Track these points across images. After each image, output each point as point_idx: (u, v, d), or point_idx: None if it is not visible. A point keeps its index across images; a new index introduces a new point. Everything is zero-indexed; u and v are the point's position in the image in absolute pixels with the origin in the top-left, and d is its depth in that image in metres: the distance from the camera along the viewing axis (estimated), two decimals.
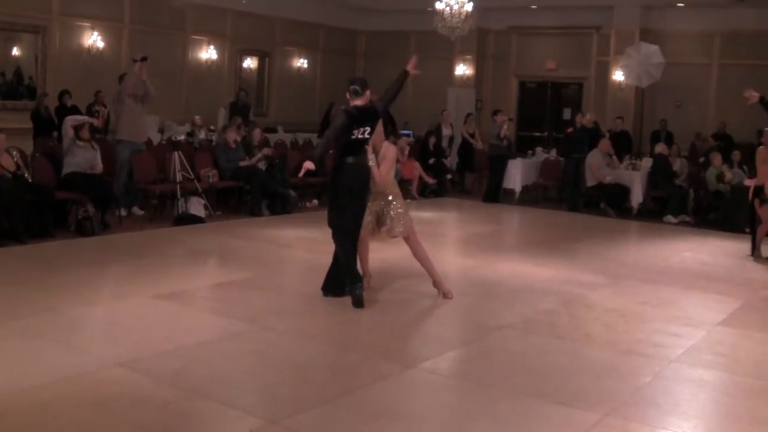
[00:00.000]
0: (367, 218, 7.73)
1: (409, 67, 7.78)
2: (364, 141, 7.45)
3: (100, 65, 17.00)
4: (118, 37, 17.70)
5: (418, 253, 7.96)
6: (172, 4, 18.62)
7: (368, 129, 7.43)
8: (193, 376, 5.47)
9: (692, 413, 5.28)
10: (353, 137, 7.32)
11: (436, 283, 7.97)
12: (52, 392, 5.08)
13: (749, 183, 11.31)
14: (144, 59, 12.17)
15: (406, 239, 7.93)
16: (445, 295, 7.89)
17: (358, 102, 7.43)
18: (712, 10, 19.17)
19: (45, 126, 14.76)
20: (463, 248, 11.65)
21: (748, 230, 11.42)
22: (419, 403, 5.31)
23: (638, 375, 5.96)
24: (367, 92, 7.46)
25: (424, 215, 13.77)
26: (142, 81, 12.22)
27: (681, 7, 19.65)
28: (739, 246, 11.40)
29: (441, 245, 11.69)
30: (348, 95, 7.50)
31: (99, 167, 11.12)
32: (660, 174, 14.83)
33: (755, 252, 10.91)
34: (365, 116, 7.40)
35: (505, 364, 6.11)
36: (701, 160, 14.78)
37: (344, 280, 7.50)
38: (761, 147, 11.21)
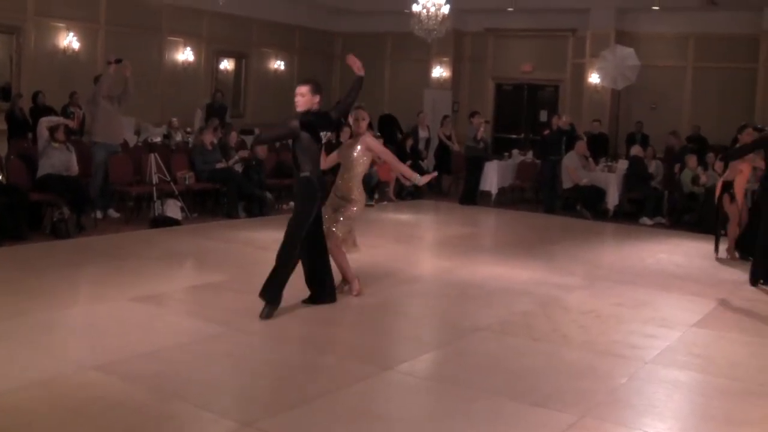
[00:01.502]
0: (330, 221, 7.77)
1: (356, 70, 7.55)
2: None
3: (76, 66, 16.91)
4: (93, 38, 17.60)
5: (335, 256, 7.82)
6: (148, 5, 18.53)
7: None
8: (169, 379, 5.45)
9: (667, 414, 5.32)
10: (323, 142, 7.26)
11: (346, 280, 7.98)
12: (26, 396, 5.04)
13: (718, 185, 11.36)
14: (118, 61, 12.11)
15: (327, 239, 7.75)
16: (354, 292, 7.92)
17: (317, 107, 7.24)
18: (686, 14, 19.33)
19: (19, 127, 14.66)
20: (439, 250, 11.67)
21: (724, 232, 11.45)
22: (396, 405, 5.31)
23: (614, 376, 6.00)
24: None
25: (401, 217, 13.81)
26: (125, 78, 12.17)
27: (656, 10, 19.79)
28: (713, 248, 11.48)
29: (418, 247, 11.72)
30: (311, 100, 7.21)
31: (74, 169, 11.06)
32: (635, 176, 14.93)
33: (726, 250, 11.00)
34: (326, 121, 7.36)
35: (481, 365, 6.13)
36: (677, 168, 14.72)
37: (273, 288, 7.10)
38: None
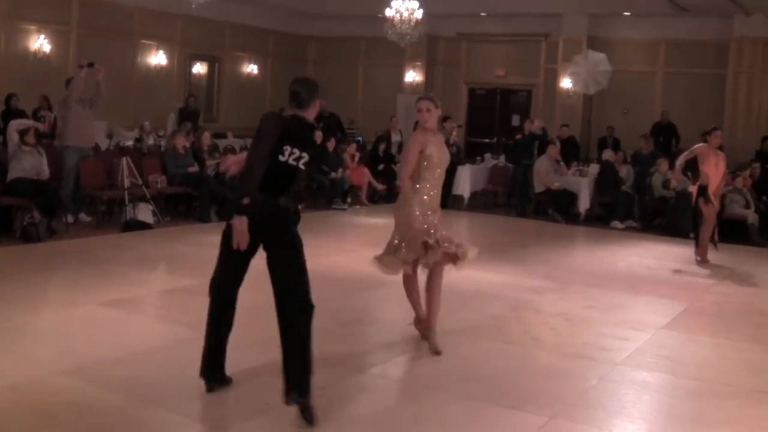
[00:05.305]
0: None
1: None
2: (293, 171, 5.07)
3: (47, 69, 16.79)
4: (65, 40, 17.50)
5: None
6: (120, 9, 18.44)
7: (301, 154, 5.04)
8: (141, 384, 5.44)
9: (636, 414, 5.37)
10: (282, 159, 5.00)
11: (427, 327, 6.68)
12: None
13: (693, 189, 11.53)
14: (90, 65, 12.04)
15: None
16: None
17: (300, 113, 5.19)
18: (657, 20, 19.49)
19: None
20: None
21: (692, 236, 11.62)
22: (368, 408, 5.33)
23: (585, 378, 6.05)
24: (316, 103, 5.21)
25: (373, 221, 13.82)
26: (97, 82, 12.10)
27: (627, 16, 19.95)
28: (684, 251, 11.60)
29: None
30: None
31: (45, 173, 10.98)
32: (607, 180, 15.04)
33: (697, 251, 11.12)
34: (301, 134, 5.14)
35: (453, 368, 6.15)
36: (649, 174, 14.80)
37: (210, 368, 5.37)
38: (702, 144, 11.39)
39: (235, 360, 5.54)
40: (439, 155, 6.48)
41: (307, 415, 4.88)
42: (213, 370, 5.34)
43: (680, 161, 11.67)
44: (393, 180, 17.03)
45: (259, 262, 5.14)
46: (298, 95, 5.15)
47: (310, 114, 5.21)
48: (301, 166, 5.04)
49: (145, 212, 11.86)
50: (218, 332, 5.33)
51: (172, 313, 7.43)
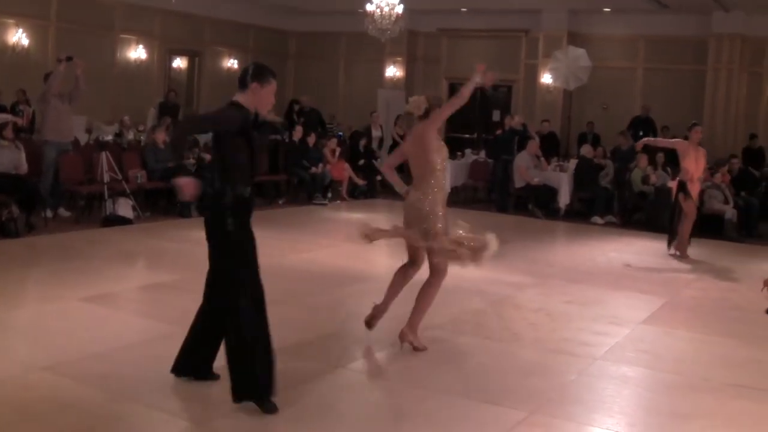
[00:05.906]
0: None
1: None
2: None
3: (26, 63, 16.66)
4: (44, 35, 17.37)
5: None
6: (100, 3, 18.33)
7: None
8: (120, 379, 5.42)
9: (616, 409, 5.41)
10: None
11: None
12: None
13: (673, 185, 11.61)
14: (69, 59, 11.97)
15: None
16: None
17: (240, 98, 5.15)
18: (637, 16, 19.55)
19: None
20: (391, 249, 11.63)
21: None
22: (348, 403, 5.33)
23: (564, 373, 6.08)
24: (254, 85, 5.09)
25: (354, 216, 13.82)
26: (75, 76, 12.03)
27: (607, 12, 20.00)
28: (663, 246, 11.65)
29: (370, 246, 11.69)
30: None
31: (23, 167, 10.93)
32: (584, 175, 15.09)
33: (677, 246, 11.20)
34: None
35: (433, 363, 6.17)
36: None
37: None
38: (682, 140, 11.54)
39: (218, 355, 5.54)
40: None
41: (264, 407, 4.94)
42: (194, 366, 5.38)
43: (658, 140, 12.03)
44: (373, 175, 17.06)
45: None
46: (241, 77, 5.15)
47: (250, 97, 5.11)
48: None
49: (124, 207, 11.82)
50: (198, 328, 5.41)
51: (151, 309, 7.41)
